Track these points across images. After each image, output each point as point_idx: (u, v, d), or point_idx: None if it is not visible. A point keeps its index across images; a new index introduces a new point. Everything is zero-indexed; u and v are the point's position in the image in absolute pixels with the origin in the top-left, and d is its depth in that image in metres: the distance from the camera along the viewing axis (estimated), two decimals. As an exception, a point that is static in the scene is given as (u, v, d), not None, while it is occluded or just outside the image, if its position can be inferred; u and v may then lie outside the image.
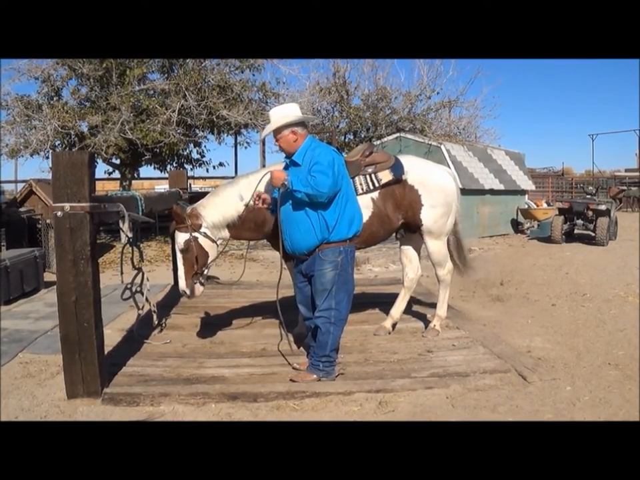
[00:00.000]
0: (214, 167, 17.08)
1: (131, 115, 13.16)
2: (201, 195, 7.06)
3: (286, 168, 5.02)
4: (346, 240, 4.89)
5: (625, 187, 25.22)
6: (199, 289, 5.54)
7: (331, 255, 4.83)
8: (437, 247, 6.12)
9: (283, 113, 4.90)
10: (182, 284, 5.45)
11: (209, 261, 5.55)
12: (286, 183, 4.65)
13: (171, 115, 13.24)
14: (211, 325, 6.69)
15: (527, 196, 20.26)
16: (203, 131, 15.46)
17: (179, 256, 5.46)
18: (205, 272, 5.60)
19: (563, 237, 15.61)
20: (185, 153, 16.12)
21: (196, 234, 5.43)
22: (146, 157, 14.93)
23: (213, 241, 5.55)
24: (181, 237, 5.42)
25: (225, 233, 5.63)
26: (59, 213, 4.42)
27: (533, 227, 17.98)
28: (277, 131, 4.86)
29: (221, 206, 5.55)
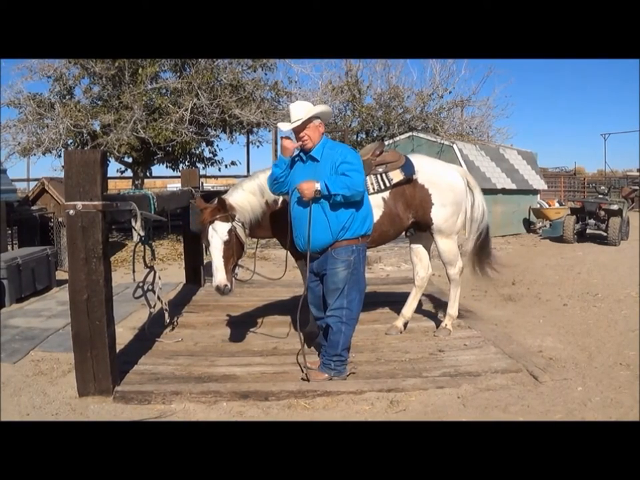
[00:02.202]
0: (226, 166, 17.15)
1: (144, 113, 13.19)
2: (213, 194, 7.05)
3: (292, 164, 4.95)
4: (359, 237, 4.87)
5: (637, 187, 25.01)
6: (234, 283, 5.28)
7: (344, 253, 4.81)
8: (447, 245, 6.12)
9: (309, 106, 4.90)
10: (222, 278, 5.04)
11: (243, 253, 5.39)
12: (319, 189, 4.57)
13: (183, 114, 13.27)
14: (222, 324, 6.72)
15: (539, 195, 20.24)
16: (215, 130, 15.53)
17: (219, 248, 5.11)
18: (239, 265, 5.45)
19: (575, 236, 15.58)
20: (197, 152, 16.19)
21: (234, 224, 5.23)
22: (158, 156, 15.01)
23: (245, 232, 5.41)
24: (224, 227, 5.12)
25: (247, 230, 5.49)
26: (71, 212, 4.44)
27: (545, 226, 17.94)
28: (308, 120, 4.79)
29: (248, 199, 5.44)
